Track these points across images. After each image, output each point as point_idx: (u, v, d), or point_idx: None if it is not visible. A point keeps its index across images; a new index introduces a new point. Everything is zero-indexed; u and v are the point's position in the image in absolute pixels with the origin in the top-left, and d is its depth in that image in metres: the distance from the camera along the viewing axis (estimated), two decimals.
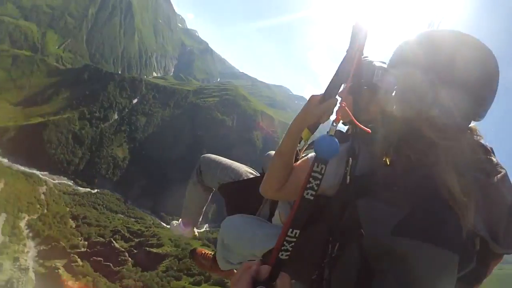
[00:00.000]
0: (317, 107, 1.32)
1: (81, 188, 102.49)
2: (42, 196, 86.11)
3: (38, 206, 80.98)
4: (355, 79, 1.31)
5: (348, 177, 1.31)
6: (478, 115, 1.16)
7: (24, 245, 68.84)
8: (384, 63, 1.68)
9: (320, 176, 0.83)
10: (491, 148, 1.24)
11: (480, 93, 1.12)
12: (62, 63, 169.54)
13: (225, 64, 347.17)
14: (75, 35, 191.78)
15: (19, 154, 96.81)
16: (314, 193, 0.83)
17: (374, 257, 1.09)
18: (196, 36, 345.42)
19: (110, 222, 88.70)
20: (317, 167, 0.83)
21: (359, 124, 1.13)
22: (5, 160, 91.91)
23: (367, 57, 1.70)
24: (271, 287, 0.81)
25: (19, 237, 69.56)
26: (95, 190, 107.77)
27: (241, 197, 2.35)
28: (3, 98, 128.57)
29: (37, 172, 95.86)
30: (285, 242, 0.84)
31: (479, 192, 1.08)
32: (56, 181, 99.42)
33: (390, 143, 1.24)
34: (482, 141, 1.23)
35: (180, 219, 3.11)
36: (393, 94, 1.27)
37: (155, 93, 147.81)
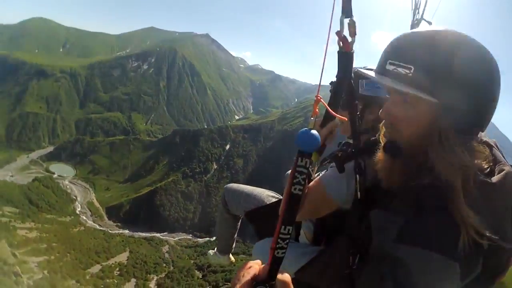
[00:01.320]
0: (320, 132, 1.29)
1: (200, 239, 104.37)
2: (166, 255, 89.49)
3: (164, 264, 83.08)
4: (345, 94, 1.32)
5: (359, 193, 1.35)
6: (481, 125, 1.11)
7: None
8: (370, 69, 1.50)
9: (305, 170, 0.80)
10: (495, 142, 1.16)
11: (481, 100, 1.06)
12: (153, 135, 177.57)
13: (296, 83, 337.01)
14: (156, 109, 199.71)
15: (137, 223, 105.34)
16: (301, 187, 0.80)
17: (376, 261, 1.10)
18: (260, 69, 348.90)
19: (234, 265, 71.65)
20: (301, 161, 0.80)
21: (334, 113, 1.11)
22: (126, 231, 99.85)
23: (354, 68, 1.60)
24: (270, 286, 0.79)
25: None
26: (213, 238, 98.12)
27: (266, 222, 2.35)
28: (112, 180, 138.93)
29: (157, 235, 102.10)
30: (279, 240, 0.81)
31: (480, 194, 1.00)
32: (176, 238, 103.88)
33: (400, 169, 1.22)
34: (484, 137, 1.13)
35: (216, 248, 3.30)
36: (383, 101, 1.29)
37: (243, 134, 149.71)
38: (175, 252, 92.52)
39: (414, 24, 1.97)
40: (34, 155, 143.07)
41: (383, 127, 1.29)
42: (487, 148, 1.09)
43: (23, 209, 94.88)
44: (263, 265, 0.83)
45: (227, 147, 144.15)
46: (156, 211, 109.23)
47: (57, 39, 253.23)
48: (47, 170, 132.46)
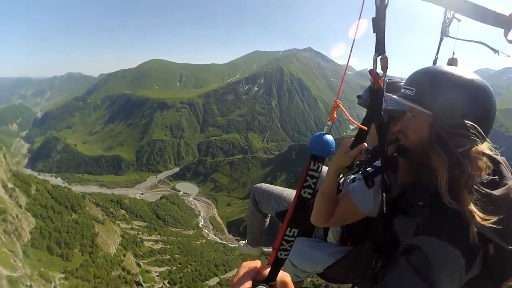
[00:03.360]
0: (350, 152, 1.50)
1: None
2: None
3: None
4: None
5: (385, 208, 1.49)
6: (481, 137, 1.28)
7: None
8: (392, 82, 2.00)
9: (316, 174, 0.81)
10: (504, 160, 1.36)
11: (483, 120, 1.30)
12: (270, 153, 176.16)
13: None
14: (270, 127, 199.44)
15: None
16: (311, 191, 0.82)
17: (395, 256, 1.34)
18: (367, 73, 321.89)
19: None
20: (314, 165, 0.81)
21: (354, 121, 1.23)
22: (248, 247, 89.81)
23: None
24: (270, 286, 0.78)
25: None
26: None
27: None
28: (233, 196, 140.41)
29: None
30: (283, 242, 0.82)
31: (486, 203, 1.18)
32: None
33: (409, 169, 1.52)
34: (493, 153, 1.32)
35: (246, 240, 3.59)
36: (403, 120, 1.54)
37: None
38: None
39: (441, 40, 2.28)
40: (162, 175, 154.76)
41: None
42: (489, 161, 1.27)
43: (151, 223, 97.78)
44: (263, 265, 0.82)
45: None
46: (275, 226, 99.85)
47: (173, 75, 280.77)
48: (174, 189, 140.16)
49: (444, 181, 1.22)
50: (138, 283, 56.82)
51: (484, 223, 1.14)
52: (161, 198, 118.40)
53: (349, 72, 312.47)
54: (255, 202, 3.02)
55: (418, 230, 1.23)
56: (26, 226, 51.06)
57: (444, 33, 2.45)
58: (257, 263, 0.82)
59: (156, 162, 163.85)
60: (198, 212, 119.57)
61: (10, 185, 55.87)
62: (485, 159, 1.27)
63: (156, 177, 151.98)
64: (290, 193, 2.83)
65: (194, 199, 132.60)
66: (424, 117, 1.38)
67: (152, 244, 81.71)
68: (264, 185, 3.04)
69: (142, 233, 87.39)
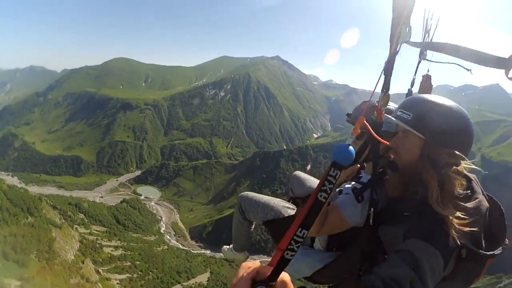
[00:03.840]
0: (344, 170, 1.58)
1: None
2: None
3: None
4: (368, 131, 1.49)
5: (371, 221, 1.68)
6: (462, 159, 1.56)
7: None
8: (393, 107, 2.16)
9: (334, 181, 0.86)
10: (474, 177, 1.62)
11: (465, 145, 1.56)
12: (234, 158, 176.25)
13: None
14: (235, 133, 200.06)
15: (219, 243, 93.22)
16: (326, 196, 0.86)
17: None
18: (334, 84, 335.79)
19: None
20: (333, 171, 0.86)
21: (376, 135, 1.43)
22: (208, 252, 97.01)
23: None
24: (271, 286, 0.79)
25: None
26: None
27: (284, 232, 2.67)
28: (196, 202, 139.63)
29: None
30: (292, 241, 0.83)
31: (462, 213, 1.42)
32: (257, 260, 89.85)
33: (400, 182, 1.71)
34: (466, 171, 1.60)
35: (231, 245, 3.70)
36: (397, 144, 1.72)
37: (324, 153, 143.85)
38: None
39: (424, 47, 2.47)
40: (123, 178, 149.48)
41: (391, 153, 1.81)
42: (465, 179, 1.56)
43: (111, 228, 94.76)
44: (263, 266, 0.83)
45: (308, 167, 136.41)
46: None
47: (139, 75, 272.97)
48: (135, 192, 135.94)
49: (436, 192, 1.46)
50: None
51: (460, 230, 1.38)
52: (121, 202, 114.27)
53: (314, 82, 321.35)
54: (242, 211, 3.12)
55: (406, 235, 1.44)
56: None
57: (422, 56, 2.67)
58: (256, 264, 0.84)
59: (117, 165, 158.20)
60: (159, 218, 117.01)
61: None
62: (460, 177, 1.53)
63: (117, 180, 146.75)
64: (277, 203, 2.93)
65: (156, 203, 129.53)
66: (416, 140, 1.60)
67: (112, 250, 79.14)
68: (251, 194, 3.15)
69: (102, 239, 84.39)
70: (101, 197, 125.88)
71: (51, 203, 79.97)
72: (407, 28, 1.41)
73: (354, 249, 1.93)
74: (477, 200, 1.52)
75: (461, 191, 1.52)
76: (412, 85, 2.64)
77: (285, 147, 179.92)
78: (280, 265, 0.82)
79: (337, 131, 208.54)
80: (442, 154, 1.53)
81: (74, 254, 63.63)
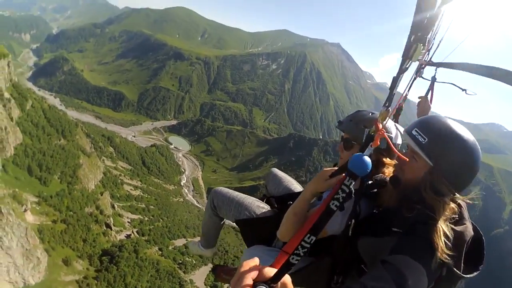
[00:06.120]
0: (329, 180, 1.61)
1: None
2: None
3: None
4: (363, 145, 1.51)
5: (350, 231, 1.71)
6: (460, 191, 1.62)
7: None
8: (373, 112, 2.19)
9: (347, 190, 0.91)
10: (464, 204, 1.66)
11: (463, 178, 1.59)
12: (268, 133, 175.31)
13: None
14: (277, 109, 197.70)
15: None
16: (338, 204, 0.90)
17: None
18: (386, 87, 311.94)
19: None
20: (348, 181, 0.90)
21: (396, 150, 1.56)
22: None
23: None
24: (271, 287, 0.81)
25: None
26: None
27: (257, 232, 2.64)
28: (221, 165, 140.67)
29: None
30: (299, 247, 0.85)
31: (450, 234, 1.47)
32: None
33: (397, 197, 1.73)
34: (458, 199, 1.63)
35: (198, 241, 3.52)
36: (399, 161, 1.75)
37: None
38: None
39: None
40: (158, 124, 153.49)
41: (393, 167, 1.88)
42: (457, 206, 1.60)
43: (135, 168, 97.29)
44: (264, 266, 0.83)
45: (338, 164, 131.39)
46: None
47: (197, 29, 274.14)
48: (166, 140, 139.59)
49: (440, 214, 1.52)
50: (107, 225, 56.40)
51: (445, 252, 1.43)
52: (151, 146, 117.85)
53: (368, 80, 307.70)
54: (213, 207, 2.96)
55: (395, 249, 1.45)
56: (13, 140, 49.74)
57: (418, 73, 2.68)
58: (256, 262, 0.85)
59: (156, 109, 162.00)
60: (183, 170, 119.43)
61: (6, 95, 54.03)
62: (453, 204, 1.59)
63: (152, 124, 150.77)
64: (251, 202, 2.80)
65: (183, 156, 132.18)
66: (424, 163, 1.60)
67: (131, 189, 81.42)
68: (224, 190, 2.96)
69: (124, 176, 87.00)
70: (134, 136, 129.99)
71: (86, 131, 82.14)
72: (422, 46, 1.37)
73: (327, 258, 1.93)
74: (464, 226, 1.57)
75: (451, 216, 1.57)
76: (403, 100, 2.59)
77: (321, 137, 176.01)
78: (284, 268, 0.83)
79: None
80: (443, 185, 1.56)
81: (95, 184, 65.50)
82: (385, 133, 1.42)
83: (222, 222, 3.17)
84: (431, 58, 2.34)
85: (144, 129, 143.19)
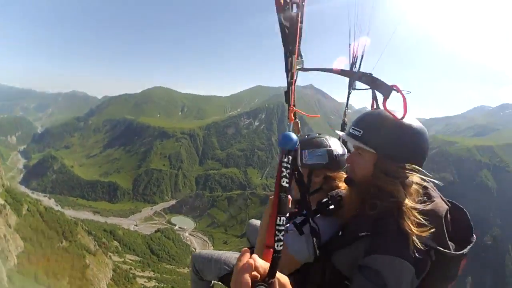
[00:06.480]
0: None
1: None
2: None
3: None
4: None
5: (317, 251, 1.68)
6: (413, 168, 1.58)
7: None
8: (318, 136, 2.28)
9: (289, 165, 0.91)
10: (431, 185, 1.65)
11: (418, 158, 1.59)
12: (268, 189, 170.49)
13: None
14: (270, 163, 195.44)
15: None
16: (288, 180, 0.91)
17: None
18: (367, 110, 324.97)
19: None
20: (285, 157, 0.91)
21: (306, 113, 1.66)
22: None
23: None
24: (270, 285, 0.80)
25: None
26: None
27: None
28: (230, 234, 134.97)
29: None
30: (277, 232, 0.86)
31: (419, 215, 1.45)
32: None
33: (357, 199, 1.71)
34: (421, 181, 1.60)
35: None
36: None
37: None
38: None
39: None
40: (158, 207, 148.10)
41: (344, 171, 1.92)
42: (420, 187, 1.58)
43: (144, 258, 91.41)
44: (258, 262, 0.83)
45: None
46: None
47: (175, 104, 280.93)
48: (169, 222, 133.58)
49: (403, 194, 1.52)
50: None
51: (421, 234, 1.39)
52: (156, 231, 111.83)
53: (348, 110, 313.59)
54: (196, 271, 2.96)
55: (368, 251, 1.44)
56: (14, 248, 46.05)
57: (352, 87, 2.83)
58: (250, 260, 0.82)
59: (152, 193, 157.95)
60: (194, 249, 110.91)
61: (1, 201, 51.28)
62: (415, 186, 1.56)
63: (152, 209, 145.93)
64: (229, 256, 2.81)
65: (190, 234, 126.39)
66: (369, 155, 1.64)
67: (145, 282, 75.06)
68: (203, 252, 3.01)
69: (135, 268, 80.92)
70: (136, 225, 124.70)
71: (87, 228, 78.25)
72: (299, 57, 1.52)
73: (309, 286, 1.86)
74: (434, 203, 1.55)
75: (416, 198, 1.55)
76: (344, 115, 2.89)
77: None
78: (275, 259, 0.83)
79: None
80: (393, 168, 1.57)
81: (107, 283, 60.22)
82: (295, 108, 1.45)
83: (211, 285, 3.07)
84: (358, 69, 2.58)
85: (144, 215, 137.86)
